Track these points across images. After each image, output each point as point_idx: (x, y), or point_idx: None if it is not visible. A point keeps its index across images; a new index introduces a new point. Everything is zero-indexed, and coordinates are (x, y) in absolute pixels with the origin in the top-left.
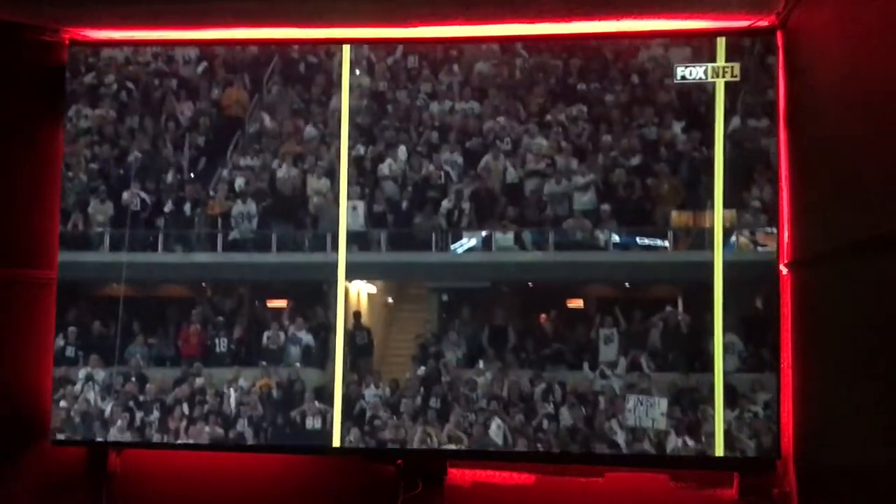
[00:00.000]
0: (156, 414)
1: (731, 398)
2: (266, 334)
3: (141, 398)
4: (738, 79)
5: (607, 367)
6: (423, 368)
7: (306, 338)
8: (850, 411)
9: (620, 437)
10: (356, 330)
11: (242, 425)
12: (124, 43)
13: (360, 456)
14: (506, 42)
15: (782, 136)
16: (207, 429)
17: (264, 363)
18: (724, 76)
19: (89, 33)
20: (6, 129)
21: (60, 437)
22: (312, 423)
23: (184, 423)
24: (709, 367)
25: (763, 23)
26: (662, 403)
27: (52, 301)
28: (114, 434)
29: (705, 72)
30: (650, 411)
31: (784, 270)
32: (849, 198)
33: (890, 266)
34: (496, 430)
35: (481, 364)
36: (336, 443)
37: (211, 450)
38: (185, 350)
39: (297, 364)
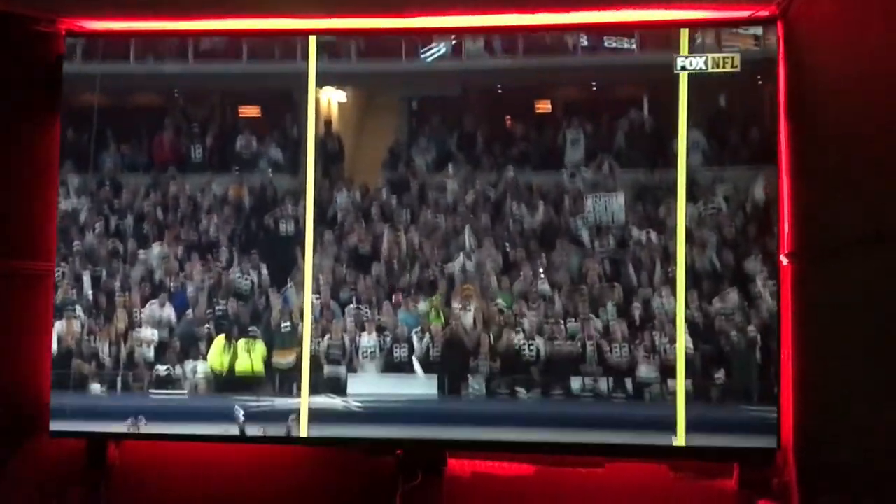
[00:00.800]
0: (130, 220)
1: (693, 192)
2: (238, 142)
3: (115, 203)
4: (737, 69)
5: (573, 168)
6: (392, 173)
7: (276, 150)
8: (851, 403)
9: (585, 235)
10: (327, 137)
11: (216, 231)
12: (121, 33)
13: (359, 446)
14: (503, 32)
15: (783, 127)
16: (181, 234)
17: (237, 169)
18: (724, 66)
19: (85, 24)
20: (2, 120)
21: None
22: (286, 227)
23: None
24: (672, 163)
25: (763, 13)
26: (620, 197)
27: (50, 293)
28: (90, 239)
29: (705, 62)
30: (609, 206)
31: (784, 261)
32: (852, 190)
33: (894, 259)
34: (468, 233)
35: (450, 169)
36: (309, 248)
37: (211, 441)
38: (158, 157)
39: (269, 171)
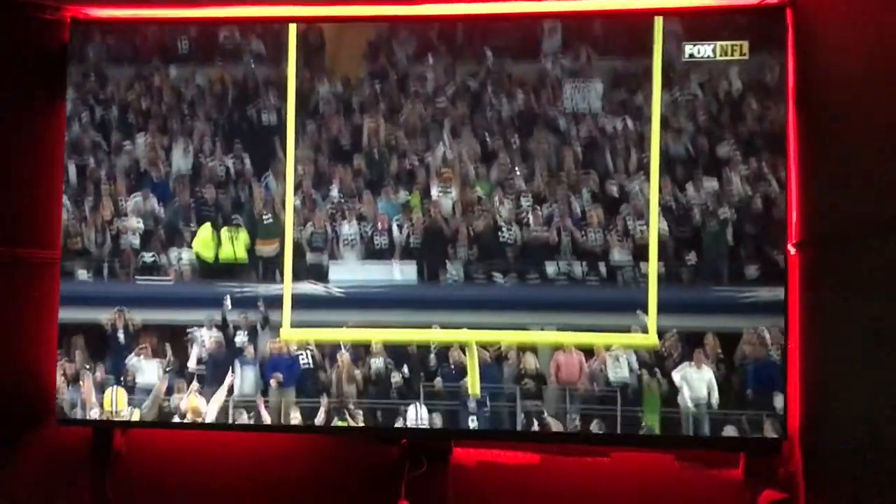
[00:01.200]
0: (115, 112)
1: (669, 80)
2: (221, 34)
3: (101, 95)
4: (746, 57)
5: (550, 56)
6: (373, 64)
7: (258, 42)
8: (857, 393)
9: (562, 123)
10: (308, 29)
11: (202, 125)
12: (126, 21)
13: (364, 435)
14: (509, 20)
15: (791, 114)
16: (165, 125)
17: (220, 62)
18: (732, 54)
19: (91, 11)
20: (7, 107)
21: None
22: (268, 118)
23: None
24: (648, 52)
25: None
26: (598, 87)
27: (55, 281)
28: (75, 129)
29: (713, 50)
30: (586, 96)
31: (793, 251)
32: (860, 178)
33: None
34: (447, 123)
35: (430, 59)
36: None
37: (211, 429)
38: (142, 49)
39: (252, 62)
